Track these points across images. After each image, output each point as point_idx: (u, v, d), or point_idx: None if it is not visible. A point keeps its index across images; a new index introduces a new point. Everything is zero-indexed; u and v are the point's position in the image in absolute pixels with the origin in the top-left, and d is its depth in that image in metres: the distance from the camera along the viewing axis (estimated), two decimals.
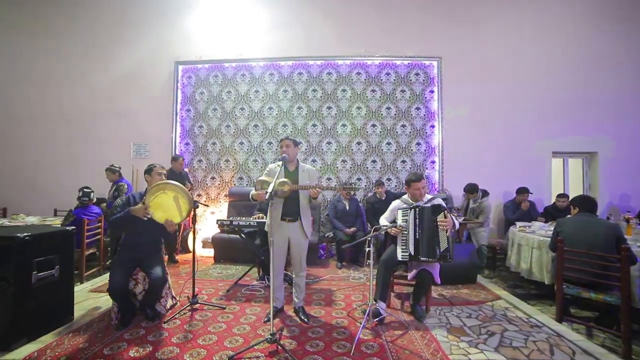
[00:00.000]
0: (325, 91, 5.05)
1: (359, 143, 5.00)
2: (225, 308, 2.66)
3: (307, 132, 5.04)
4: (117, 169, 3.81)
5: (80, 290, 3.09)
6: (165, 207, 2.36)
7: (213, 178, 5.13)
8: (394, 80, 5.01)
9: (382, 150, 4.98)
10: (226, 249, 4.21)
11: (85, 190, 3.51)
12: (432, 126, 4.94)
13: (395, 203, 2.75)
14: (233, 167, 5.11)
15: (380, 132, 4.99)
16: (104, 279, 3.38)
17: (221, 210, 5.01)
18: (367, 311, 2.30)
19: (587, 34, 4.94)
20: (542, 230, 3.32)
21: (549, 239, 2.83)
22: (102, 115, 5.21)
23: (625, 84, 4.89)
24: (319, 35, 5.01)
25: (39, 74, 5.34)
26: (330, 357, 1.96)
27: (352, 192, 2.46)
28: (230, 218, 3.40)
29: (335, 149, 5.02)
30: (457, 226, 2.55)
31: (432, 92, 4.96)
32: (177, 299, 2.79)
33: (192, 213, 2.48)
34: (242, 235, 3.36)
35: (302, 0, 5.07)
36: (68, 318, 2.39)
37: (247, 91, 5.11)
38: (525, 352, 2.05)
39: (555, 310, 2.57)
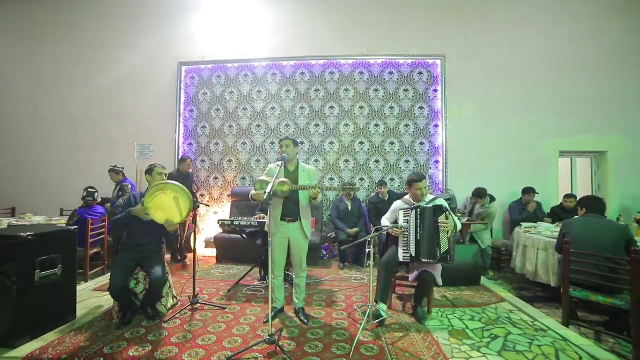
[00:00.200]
0: (328, 91, 5.03)
1: (361, 143, 4.97)
2: (225, 308, 2.66)
3: (310, 132, 5.02)
4: (121, 169, 3.85)
5: (84, 289, 3.12)
6: (165, 207, 2.37)
7: (216, 178, 5.15)
8: (397, 79, 4.96)
9: (385, 150, 4.94)
10: (228, 249, 4.22)
11: (89, 190, 3.55)
12: (436, 126, 4.88)
13: (397, 203, 2.72)
14: (236, 167, 5.12)
15: (384, 131, 4.95)
16: (108, 278, 3.39)
17: (224, 210, 5.03)
18: (367, 313, 2.28)
19: (595, 31, 4.81)
20: (548, 232, 3.24)
21: (555, 241, 2.76)
22: (107, 116, 5.28)
23: (636, 81, 4.75)
24: (322, 35, 5.00)
25: (45, 77, 5.43)
26: (329, 358, 1.94)
27: (353, 193, 2.43)
28: (232, 218, 3.41)
29: (338, 149, 4.99)
30: (459, 227, 2.50)
31: (435, 91, 4.90)
32: (179, 298, 2.80)
33: (192, 213, 2.48)
34: (244, 236, 3.36)
35: (305, 1, 5.06)
36: (71, 316, 2.42)
37: (250, 91, 5.12)
38: (530, 356, 2.00)
39: (562, 314, 2.50)
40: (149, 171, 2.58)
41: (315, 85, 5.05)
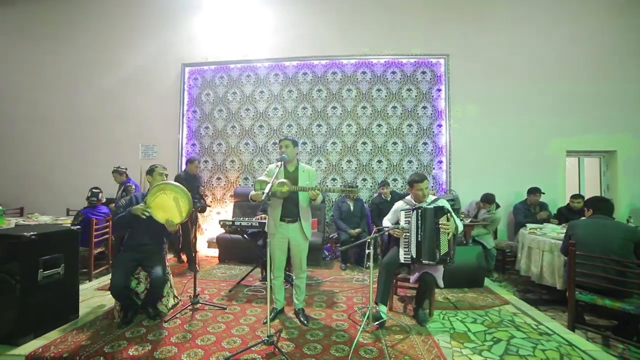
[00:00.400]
0: (330, 91, 5.02)
1: (364, 143, 4.94)
2: (226, 308, 2.66)
3: (312, 132, 5.02)
4: (124, 170, 3.89)
5: (87, 288, 3.16)
6: (165, 207, 2.39)
7: (219, 179, 5.18)
8: (400, 79, 4.92)
9: (387, 150, 4.91)
10: (230, 249, 4.24)
11: (93, 190, 3.59)
12: (439, 125, 4.83)
13: (399, 204, 2.69)
14: (238, 167, 5.14)
15: (386, 131, 4.91)
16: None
17: (226, 210, 5.05)
18: (367, 314, 2.26)
19: (604, 27, 4.71)
20: (553, 233, 3.17)
21: (561, 242, 2.70)
22: (111, 117, 5.35)
23: None
24: (324, 35, 4.99)
25: (51, 78, 5.52)
26: None
27: (353, 195, 2.41)
28: (233, 218, 3.42)
29: (340, 149, 4.97)
30: (461, 228, 2.46)
31: (439, 90, 4.85)
32: (180, 298, 2.82)
33: (191, 214, 2.48)
34: (245, 236, 3.37)
35: (306, 1, 5.06)
36: (73, 315, 2.45)
37: (252, 92, 5.14)
38: None
39: (567, 318, 2.44)
40: (150, 171, 2.60)
41: (317, 86, 5.04)
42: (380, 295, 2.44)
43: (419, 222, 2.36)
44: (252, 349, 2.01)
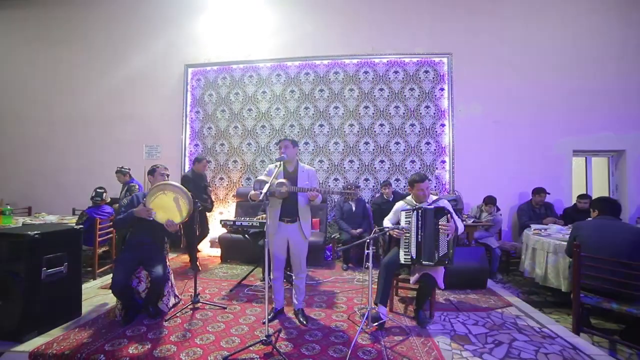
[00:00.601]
0: (333, 91, 5.01)
1: (366, 143, 4.92)
2: (226, 308, 2.67)
3: (314, 132, 5.01)
4: (127, 170, 3.93)
5: (91, 286, 3.21)
6: (165, 207, 2.41)
7: (221, 179, 5.21)
8: (403, 78, 4.89)
9: (390, 150, 4.87)
10: (232, 249, 4.25)
11: (98, 190, 3.65)
12: (443, 125, 4.78)
13: (399, 204, 2.67)
14: (241, 167, 5.17)
15: (389, 131, 4.88)
16: None
17: (229, 210, 5.08)
18: (366, 315, 2.24)
19: (613, 23, 4.61)
20: (558, 234, 3.11)
21: (566, 243, 2.64)
22: (116, 118, 5.42)
23: None
24: (326, 34, 4.98)
25: (59, 80, 5.62)
26: None
27: (351, 197, 2.40)
28: (234, 218, 3.43)
29: (343, 149, 4.96)
30: (462, 229, 2.43)
31: (442, 89, 4.80)
32: (181, 297, 2.84)
33: (191, 213, 2.50)
34: (246, 236, 3.38)
35: (309, 1, 5.05)
36: (76, 313, 2.48)
37: (255, 92, 5.16)
38: None
39: (572, 321, 2.39)
40: (151, 171, 2.62)
41: (319, 86, 5.03)
42: (379, 296, 2.42)
43: (420, 222, 2.34)
44: (251, 348, 2.01)
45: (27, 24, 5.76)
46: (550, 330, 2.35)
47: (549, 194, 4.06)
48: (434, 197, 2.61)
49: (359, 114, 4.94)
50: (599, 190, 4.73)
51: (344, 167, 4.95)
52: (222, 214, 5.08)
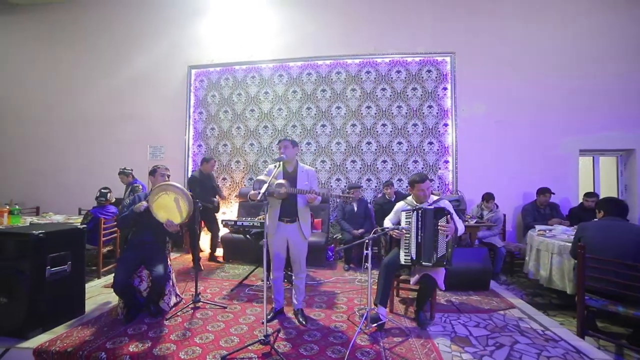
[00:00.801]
0: (335, 91, 5.00)
1: (368, 143, 4.90)
2: (226, 307, 2.69)
3: (317, 132, 5.01)
4: (130, 171, 3.98)
5: (96, 285, 3.26)
6: (167, 207, 2.44)
7: (224, 179, 5.25)
8: (405, 78, 4.86)
9: (392, 150, 4.85)
10: (235, 249, 4.27)
11: (102, 190, 3.70)
12: (445, 125, 4.74)
13: (400, 204, 2.65)
14: (243, 168, 5.19)
15: (391, 131, 4.86)
16: None
17: (232, 210, 5.11)
18: (365, 316, 2.23)
19: (620, 19, 4.51)
20: (563, 235, 3.06)
21: (571, 244, 2.60)
22: (121, 119, 5.49)
23: None
24: (328, 35, 4.98)
25: (65, 82, 5.71)
26: None
27: (349, 200, 2.40)
28: (235, 218, 3.45)
29: (345, 149, 4.95)
30: (462, 230, 2.40)
31: (445, 89, 4.76)
32: (182, 296, 2.86)
33: (191, 214, 2.52)
34: (247, 236, 3.40)
35: (311, 1, 5.06)
36: (80, 311, 2.52)
37: (257, 93, 5.18)
38: None
39: (576, 324, 2.34)
40: (152, 172, 2.66)
41: (321, 86, 5.03)
42: (379, 296, 2.40)
43: (419, 223, 2.32)
44: (249, 348, 2.02)
45: (29, 26, 5.87)
46: (553, 333, 2.31)
47: (553, 194, 3.99)
48: (435, 198, 2.59)
49: (361, 114, 4.93)
50: (607, 190, 4.64)
51: (346, 168, 4.93)
52: (224, 214, 5.11)
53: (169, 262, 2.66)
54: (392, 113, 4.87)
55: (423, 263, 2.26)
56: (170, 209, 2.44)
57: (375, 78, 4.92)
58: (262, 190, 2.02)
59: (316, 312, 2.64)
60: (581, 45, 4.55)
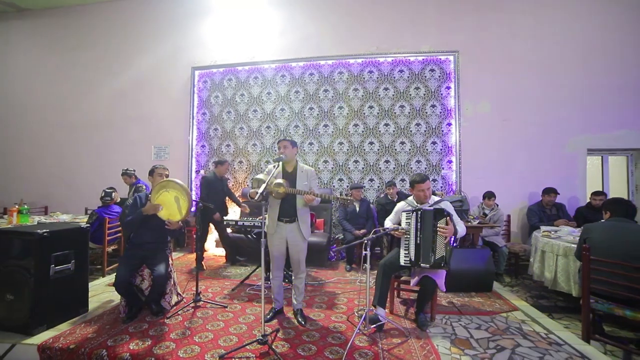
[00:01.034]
0: (337, 91, 4.99)
1: (371, 143, 4.88)
2: (227, 307, 2.70)
3: (319, 132, 5.01)
4: (132, 172, 4.03)
5: (100, 283, 3.32)
6: (167, 205, 2.46)
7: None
8: (408, 77, 4.82)
9: (395, 149, 4.81)
10: (237, 249, 4.30)
11: (107, 190, 3.77)
12: (449, 124, 4.68)
13: (400, 205, 2.63)
14: (246, 168, 5.22)
15: (394, 131, 4.82)
16: None
17: (235, 210, 5.13)
18: (363, 316, 2.22)
19: (629, 15, 4.38)
20: (569, 236, 2.99)
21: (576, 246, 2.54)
22: (126, 120, 5.57)
23: None
24: (330, 35, 4.97)
25: (72, 84, 5.81)
26: None
27: (348, 202, 2.39)
28: (236, 218, 3.47)
29: (347, 149, 4.93)
30: (463, 233, 2.37)
31: (448, 88, 4.70)
32: (183, 295, 2.89)
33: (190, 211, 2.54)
34: (248, 236, 3.41)
35: (313, 2, 5.06)
36: (83, 309, 2.57)
37: (260, 93, 5.20)
38: None
39: (581, 328, 2.29)
40: (151, 172, 2.69)
41: (324, 86, 5.03)
42: (377, 297, 2.39)
43: (419, 224, 2.30)
44: (247, 347, 2.03)
45: (39, 31, 6.00)
46: (557, 337, 2.26)
47: (558, 194, 3.91)
48: (437, 198, 2.56)
49: (364, 113, 4.91)
50: (617, 190, 4.52)
51: (349, 168, 4.92)
52: (227, 214, 5.14)
53: (170, 262, 2.69)
54: (395, 113, 4.83)
55: (421, 264, 2.23)
56: (170, 206, 2.47)
57: (377, 78, 4.90)
58: (260, 190, 2.02)
59: (316, 313, 2.64)
60: (590, 41, 4.44)
